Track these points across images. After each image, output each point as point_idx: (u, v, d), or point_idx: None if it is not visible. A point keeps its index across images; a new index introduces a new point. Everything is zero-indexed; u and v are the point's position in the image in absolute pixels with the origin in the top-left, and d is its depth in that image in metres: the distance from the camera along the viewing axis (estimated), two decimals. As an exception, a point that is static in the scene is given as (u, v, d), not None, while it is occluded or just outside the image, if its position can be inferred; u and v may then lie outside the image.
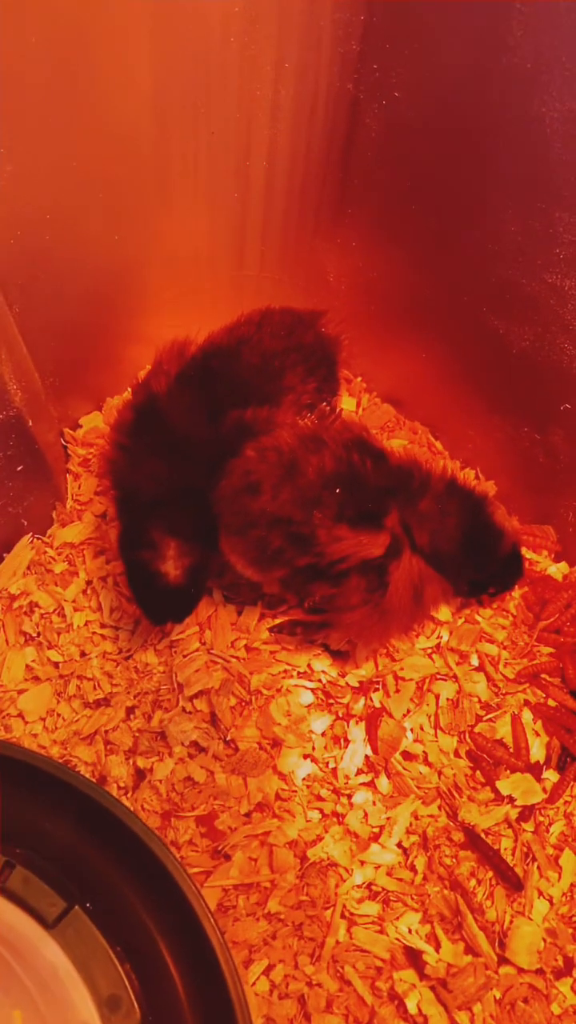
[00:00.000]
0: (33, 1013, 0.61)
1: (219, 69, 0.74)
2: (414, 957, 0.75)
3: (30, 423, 0.75)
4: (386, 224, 0.85)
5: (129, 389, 0.96)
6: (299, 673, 0.85)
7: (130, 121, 0.74)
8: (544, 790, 0.82)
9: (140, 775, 0.80)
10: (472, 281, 0.81)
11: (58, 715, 0.82)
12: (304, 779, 0.81)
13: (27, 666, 0.84)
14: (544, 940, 0.76)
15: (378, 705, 0.84)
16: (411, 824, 0.80)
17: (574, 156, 0.64)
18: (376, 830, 0.80)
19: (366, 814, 0.80)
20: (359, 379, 1.03)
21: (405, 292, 0.90)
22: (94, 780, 0.79)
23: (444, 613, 0.88)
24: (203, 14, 0.69)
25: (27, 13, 0.60)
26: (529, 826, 0.81)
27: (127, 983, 0.65)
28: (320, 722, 0.83)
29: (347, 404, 1.01)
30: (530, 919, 0.76)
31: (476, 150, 0.71)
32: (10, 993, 0.60)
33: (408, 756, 0.83)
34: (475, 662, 0.88)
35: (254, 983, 0.73)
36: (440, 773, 0.82)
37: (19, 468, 0.79)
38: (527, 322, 0.78)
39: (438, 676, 0.86)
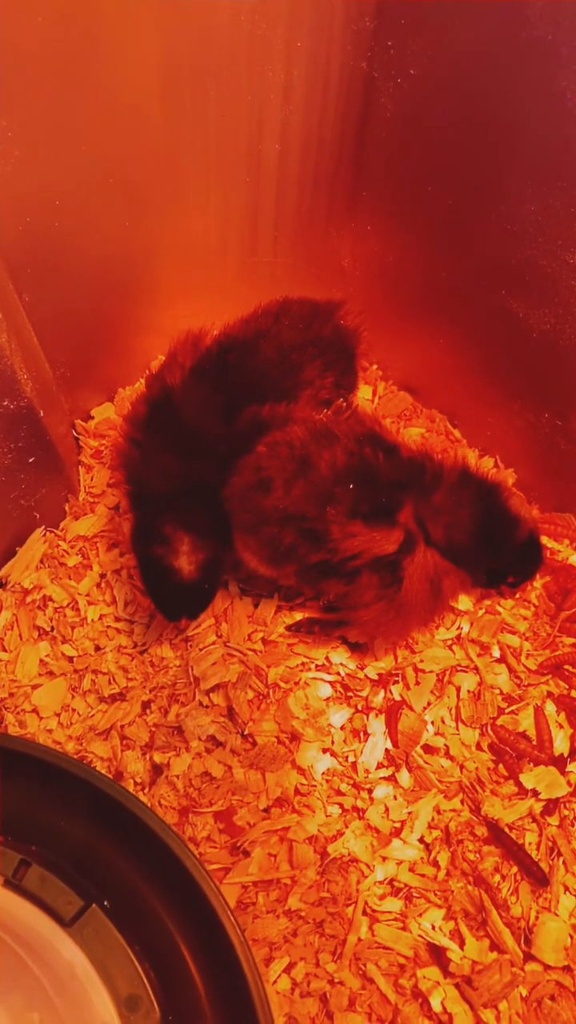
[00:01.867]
0: (51, 1013, 0.60)
1: (228, 49, 0.72)
2: (438, 954, 0.74)
3: (41, 414, 0.74)
4: (402, 207, 0.84)
5: (142, 380, 0.95)
6: (317, 666, 0.84)
7: (139, 105, 0.73)
8: (568, 783, 0.80)
9: (157, 770, 0.79)
10: (490, 264, 0.79)
11: (73, 710, 0.81)
12: (323, 773, 0.80)
13: (41, 661, 0.83)
14: (571, 936, 0.74)
15: (398, 698, 0.83)
16: (433, 819, 0.79)
17: None
18: (398, 825, 0.78)
19: (387, 809, 0.79)
20: (375, 367, 1.01)
21: (421, 277, 0.88)
22: (110, 776, 0.78)
23: (465, 603, 0.86)
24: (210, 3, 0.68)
25: (42, 9, 0.59)
26: (554, 820, 0.79)
27: (146, 982, 0.64)
28: (339, 715, 0.82)
29: (363, 392, 0.99)
30: (556, 915, 0.75)
31: (495, 128, 0.70)
32: (27, 993, 0.59)
33: (429, 749, 0.81)
34: (496, 653, 0.86)
35: (275, 981, 0.72)
36: (462, 767, 0.81)
37: (31, 460, 0.77)
38: (547, 304, 0.77)
39: (459, 668, 0.85)
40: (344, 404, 0.82)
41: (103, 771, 0.79)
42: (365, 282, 0.93)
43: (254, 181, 0.84)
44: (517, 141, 0.69)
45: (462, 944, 0.74)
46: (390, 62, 0.73)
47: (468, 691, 0.84)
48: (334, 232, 0.90)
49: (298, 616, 0.85)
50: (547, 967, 0.73)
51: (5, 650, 0.83)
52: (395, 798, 0.79)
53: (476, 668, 0.85)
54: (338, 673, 0.83)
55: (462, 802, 0.80)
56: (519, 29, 0.62)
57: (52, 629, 0.84)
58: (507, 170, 0.72)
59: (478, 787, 0.80)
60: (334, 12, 0.71)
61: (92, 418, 0.95)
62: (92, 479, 0.91)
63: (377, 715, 0.82)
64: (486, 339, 0.86)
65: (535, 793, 0.79)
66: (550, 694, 0.85)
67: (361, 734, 0.82)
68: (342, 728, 0.82)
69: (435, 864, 0.77)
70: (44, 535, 0.87)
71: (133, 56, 0.69)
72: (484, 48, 0.66)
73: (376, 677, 0.83)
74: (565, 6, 0.59)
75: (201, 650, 0.83)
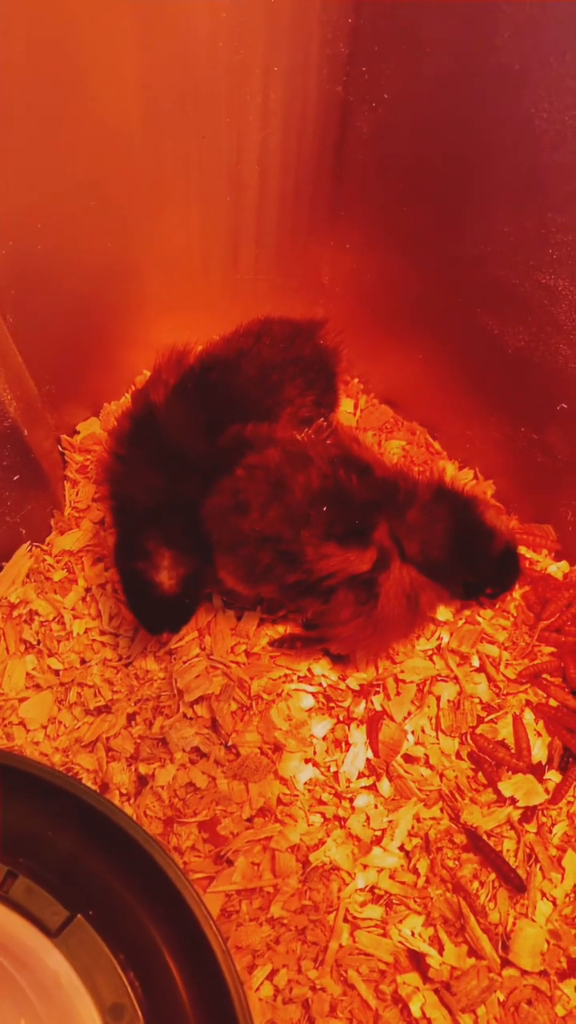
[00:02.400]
0: (36, 1022, 0.61)
1: (207, 73, 0.74)
2: (417, 960, 0.75)
3: (25, 432, 0.75)
4: (380, 225, 0.85)
5: (128, 395, 0.96)
6: (299, 677, 0.85)
7: (119, 126, 0.74)
8: (546, 791, 0.82)
9: (142, 781, 0.81)
10: (466, 282, 0.80)
11: (59, 723, 0.83)
12: (305, 783, 0.81)
13: (28, 674, 0.84)
14: (548, 942, 0.76)
15: (379, 708, 0.84)
16: (413, 827, 0.80)
17: (564, 156, 0.64)
18: (378, 833, 0.80)
19: (368, 817, 0.80)
20: (356, 380, 1.02)
21: (400, 293, 0.89)
22: (96, 787, 0.79)
23: (444, 614, 0.88)
24: (190, 18, 0.69)
25: (13, 19, 0.60)
26: (532, 827, 0.81)
27: (130, 991, 0.65)
28: (321, 726, 0.83)
29: (344, 406, 1.01)
30: (533, 921, 0.76)
31: (467, 151, 0.71)
32: (13, 1003, 0.60)
33: (409, 759, 0.83)
34: (476, 663, 0.87)
35: (258, 988, 0.73)
36: (442, 775, 0.82)
37: (16, 478, 0.79)
38: (521, 322, 0.78)
39: (439, 678, 0.86)
40: (325, 424, 0.83)
41: (89, 783, 0.80)
42: (345, 298, 0.94)
43: (235, 200, 0.85)
44: (489, 164, 0.70)
45: (441, 950, 0.75)
46: (365, 86, 0.74)
47: (448, 700, 0.85)
48: (314, 249, 0.91)
49: (281, 629, 0.87)
50: (524, 972, 0.74)
51: (-8, 663, 0.84)
52: (376, 807, 0.81)
53: (456, 678, 0.86)
54: (320, 684, 0.85)
55: (441, 810, 0.81)
56: (488, 56, 0.64)
57: (38, 643, 0.85)
58: (480, 190, 0.73)
59: (457, 795, 0.81)
60: (310, 38, 0.72)
61: (78, 433, 0.96)
62: (77, 494, 0.92)
63: (358, 725, 0.84)
64: (463, 354, 0.88)
65: (513, 801, 0.81)
66: (528, 703, 0.86)
67: (343, 744, 0.83)
68: (324, 738, 0.83)
69: (415, 872, 0.78)
70: (30, 550, 0.89)
71: (114, 80, 0.70)
72: (455, 73, 0.68)
73: (357, 688, 0.85)
74: (531, 34, 0.61)
75: (185, 663, 0.84)
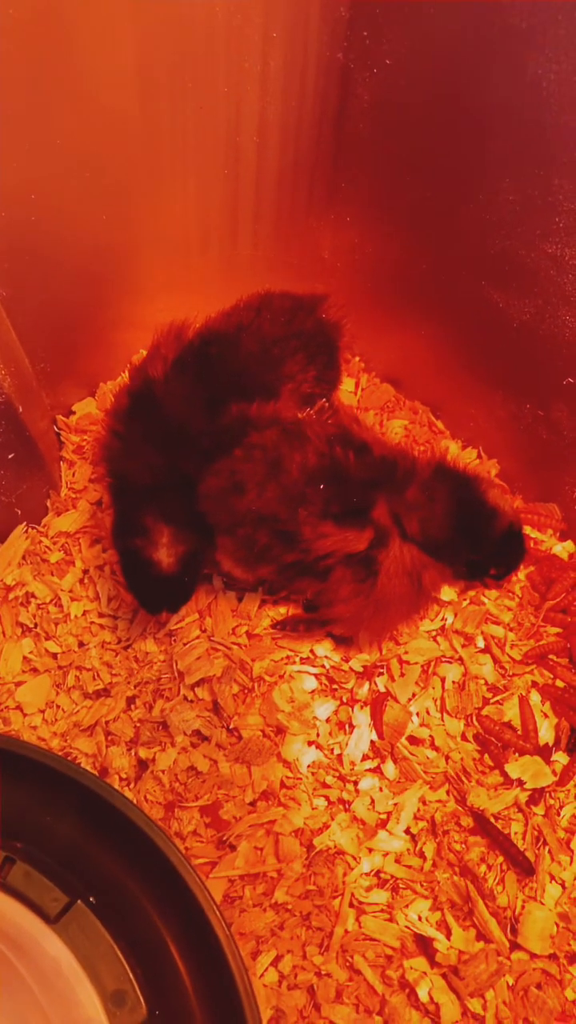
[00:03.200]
0: (36, 1011, 0.60)
1: (204, 41, 0.72)
2: (424, 945, 0.74)
3: (20, 410, 0.74)
4: (381, 198, 0.84)
5: (124, 375, 0.95)
6: (302, 659, 0.84)
7: (115, 97, 0.73)
8: (554, 772, 0.81)
9: (142, 766, 0.80)
10: (469, 254, 0.79)
11: (57, 707, 0.82)
12: (309, 766, 0.80)
13: (25, 658, 0.83)
14: (557, 925, 0.75)
15: (383, 689, 0.83)
16: (419, 810, 0.79)
17: (572, 119, 0.63)
18: (383, 816, 0.79)
19: (373, 800, 0.79)
20: (357, 359, 1.02)
21: (402, 268, 0.88)
22: (95, 772, 0.78)
23: (449, 594, 0.87)
24: None
25: (17, 13, 0.59)
26: (539, 809, 0.80)
27: (132, 977, 0.65)
28: (324, 708, 0.82)
29: (346, 385, 1.00)
30: (542, 904, 0.76)
31: (471, 117, 0.70)
32: (12, 991, 0.59)
33: (414, 741, 0.82)
34: (481, 644, 0.87)
35: (262, 974, 0.73)
36: (447, 757, 0.81)
37: (10, 456, 0.78)
38: (527, 294, 0.77)
39: (443, 659, 0.85)
40: (327, 404, 0.82)
41: (88, 767, 0.79)
42: (346, 274, 0.93)
43: (233, 173, 0.84)
44: (494, 130, 0.69)
45: (448, 934, 0.74)
46: (366, 52, 0.73)
47: (453, 682, 0.84)
48: (314, 224, 0.91)
49: (283, 611, 0.86)
50: (533, 956, 0.74)
51: (-12, 647, 0.83)
52: (381, 790, 0.80)
53: (461, 659, 0.85)
54: (323, 666, 0.84)
55: (448, 793, 0.80)
56: (494, 17, 0.63)
57: (35, 626, 0.84)
58: (484, 159, 0.72)
59: (463, 777, 0.80)
60: (310, 1, 0.71)
61: (73, 413, 0.95)
62: (74, 475, 0.91)
63: (362, 707, 0.83)
64: (467, 330, 0.87)
65: (520, 783, 0.80)
66: (535, 683, 0.86)
67: (346, 726, 0.82)
68: (327, 721, 0.82)
69: (421, 855, 0.78)
70: (26, 531, 0.88)
71: (108, 49, 0.69)
72: (459, 37, 0.66)
73: (361, 669, 0.84)
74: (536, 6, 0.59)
75: (185, 645, 0.83)
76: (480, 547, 0.80)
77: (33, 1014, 0.60)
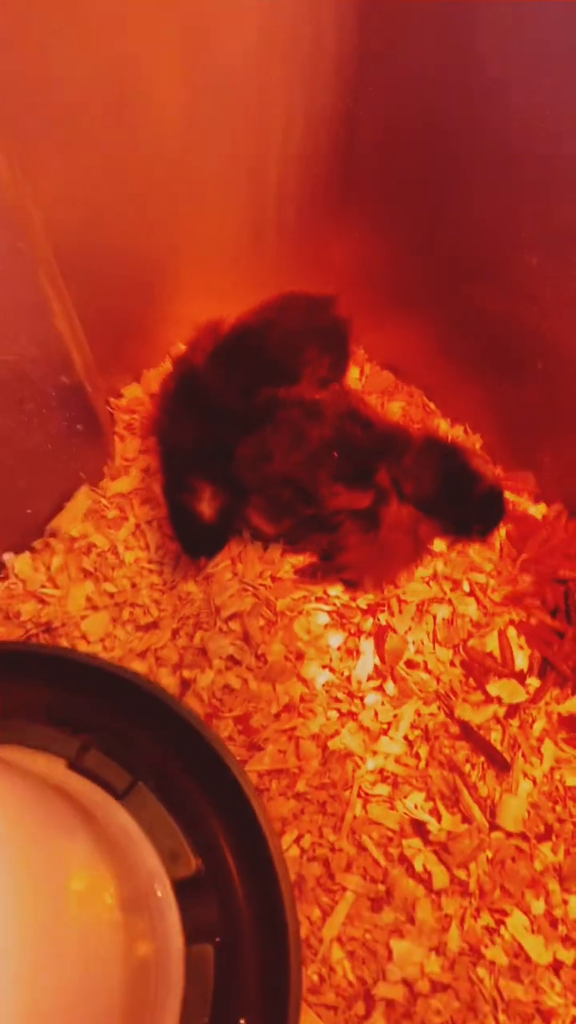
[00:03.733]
0: (116, 858, 0.73)
1: (238, 89, 0.86)
2: (419, 827, 0.89)
3: (88, 388, 0.90)
4: (382, 214, 0.99)
5: (167, 362, 1.11)
6: (317, 598, 0.99)
7: (164, 134, 0.86)
8: (527, 692, 0.95)
9: (185, 685, 0.94)
10: (455, 259, 0.94)
11: (115, 637, 0.96)
12: (323, 685, 0.95)
13: (87, 597, 0.97)
14: (528, 811, 0.90)
15: (384, 623, 0.98)
16: (414, 720, 0.94)
17: (534, 150, 0.78)
18: (385, 725, 0.94)
19: (376, 712, 0.94)
20: (361, 350, 1.17)
21: (400, 271, 1.03)
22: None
23: (439, 547, 1.02)
24: (225, 43, 0.81)
25: (87, 46, 0.73)
26: (515, 722, 0.95)
27: (184, 841, 0.78)
28: (336, 638, 0.97)
29: (352, 372, 1.15)
30: (516, 794, 0.90)
31: (455, 149, 0.85)
32: (99, 842, 0.69)
33: (411, 665, 0.97)
34: (466, 588, 1.02)
35: (287, 849, 0.87)
36: (438, 679, 0.96)
37: (79, 427, 0.92)
38: (502, 294, 0.92)
39: (435, 600, 1.00)
40: (338, 387, 0.99)
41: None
42: (354, 278, 1.07)
43: (260, 195, 0.98)
44: (473, 159, 0.84)
45: (439, 819, 0.89)
46: (370, 100, 0.88)
47: (443, 618, 0.99)
48: (327, 236, 1.05)
49: (300, 558, 1.01)
50: (509, 834, 0.89)
51: (57, 587, 0.98)
52: (383, 704, 0.95)
53: (449, 600, 1.00)
54: (334, 604, 0.99)
55: (438, 707, 0.95)
56: (472, 64, 0.77)
57: (95, 570, 0.99)
58: (466, 183, 0.87)
59: (452, 695, 0.95)
60: (325, 58, 0.86)
61: (123, 396, 1.10)
62: (125, 447, 1.06)
63: (367, 637, 0.98)
64: (455, 324, 1.02)
65: (499, 700, 0.95)
66: (512, 621, 1.01)
67: (354, 653, 0.97)
68: (338, 648, 0.97)
69: (416, 756, 0.92)
70: (88, 492, 1.02)
71: (162, 97, 0.83)
72: (445, 84, 0.81)
73: (366, 607, 0.99)
74: (506, 48, 0.75)
75: (220, 585, 0.98)
76: (464, 506, 0.96)
77: (115, 862, 0.73)
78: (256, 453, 0.89)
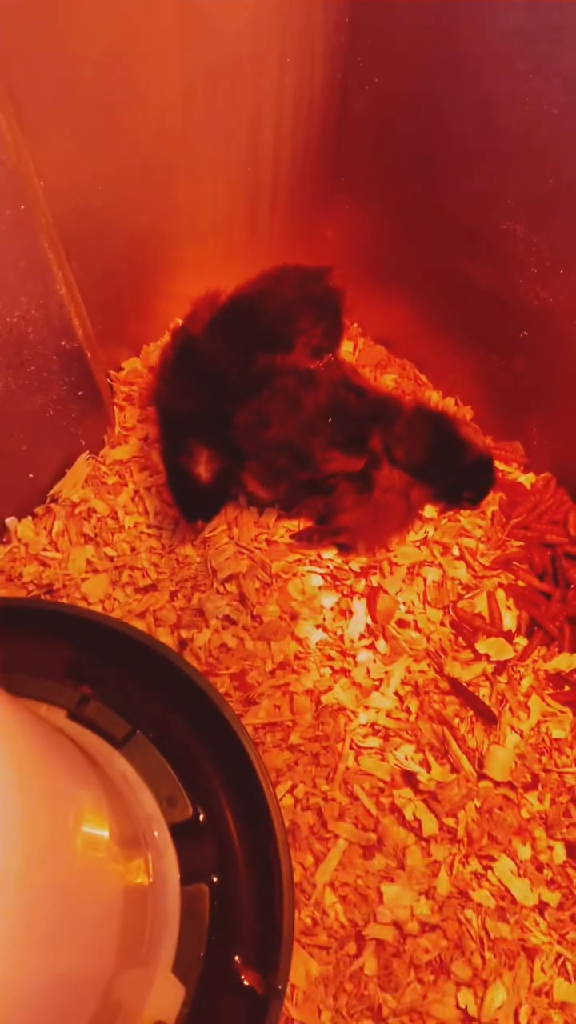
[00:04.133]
0: (116, 800, 0.76)
1: (234, 63, 0.89)
2: (410, 778, 0.92)
3: (88, 356, 0.93)
4: (373, 188, 1.02)
5: (166, 335, 1.14)
6: (311, 561, 1.02)
7: (164, 110, 0.89)
8: (515, 650, 0.98)
9: (183, 644, 0.97)
10: (444, 232, 0.97)
11: (115, 599, 0.99)
12: (317, 644, 0.98)
13: (88, 560, 1.01)
14: (515, 762, 0.93)
15: (376, 585, 1.01)
16: (405, 677, 0.97)
17: (514, 123, 0.81)
18: (377, 682, 0.97)
19: (368, 670, 0.97)
20: (355, 325, 1.20)
21: (391, 246, 1.07)
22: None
23: (430, 512, 1.05)
24: (219, 20, 0.85)
25: (88, 16, 0.76)
26: (503, 678, 0.98)
27: (181, 787, 0.82)
28: (329, 599, 1.01)
29: (345, 347, 1.18)
30: (503, 746, 0.93)
31: (442, 121, 0.88)
32: (101, 783, 0.72)
33: (402, 624, 1.00)
34: (456, 552, 1.05)
35: (281, 799, 0.90)
36: (428, 638, 0.99)
37: (80, 394, 0.96)
38: (489, 264, 0.95)
39: (425, 563, 1.03)
40: (332, 358, 1.02)
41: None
42: (346, 252, 1.11)
43: (254, 171, 1.02)
44: (459, 131, 0.87)
45: (429, 769, 0.92)
46: (360, 72, 0.92)
47: (433, 581, 1.02)
48: (320, 210, 1.09)
49: (294, 523, 1.04)
50: (496, 783, 0.92)
51: (59, 551, 1.01)
52: (375, 661, 0.98)
53: (440, 564, 1.04)
54: (328, 567, 1.02)
55: (428, 665, 0.98)
56: (454, 45, 0.81)
57: (96, 535, 1.02)
58: (454, 155, 0.90)
59: (441, 653, 0.98)
60: (315, 33, 0.90)
61: (123, 369, 1.13)
62: (125, 417, 1.09)
63: (359, 598, 1.01)
64: (444, 296, 1.05)
65: (487, 657, 0.98)
66: (501, 584, 1.04)
67: (347, 613, 1.00)
68: (331, 609, 1.00)
69: (407, 711, 0.95)
70: (88, 459, 1.06)
71: (160, 71, 0.85)
72: (430, 60, 0.85)
73: (359, 569, 1.02)
74: (486, 29, 0.78)
75: (217, 549, 1.01)
76: (453, 472, 0.99)
77: (114, 802, 0.76)
78: (254, 420, 0.92)
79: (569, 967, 0.84)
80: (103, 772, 0.79)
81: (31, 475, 0.99)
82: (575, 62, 0.73)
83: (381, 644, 0.99)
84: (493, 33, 0.78)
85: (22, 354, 0.84)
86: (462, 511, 1.07)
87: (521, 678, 0.98)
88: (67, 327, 0.87)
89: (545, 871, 0.88)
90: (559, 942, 0.84)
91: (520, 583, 1.04)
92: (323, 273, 1.01)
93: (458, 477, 1.00)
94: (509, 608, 1.02)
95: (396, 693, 0.96)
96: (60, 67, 0.77)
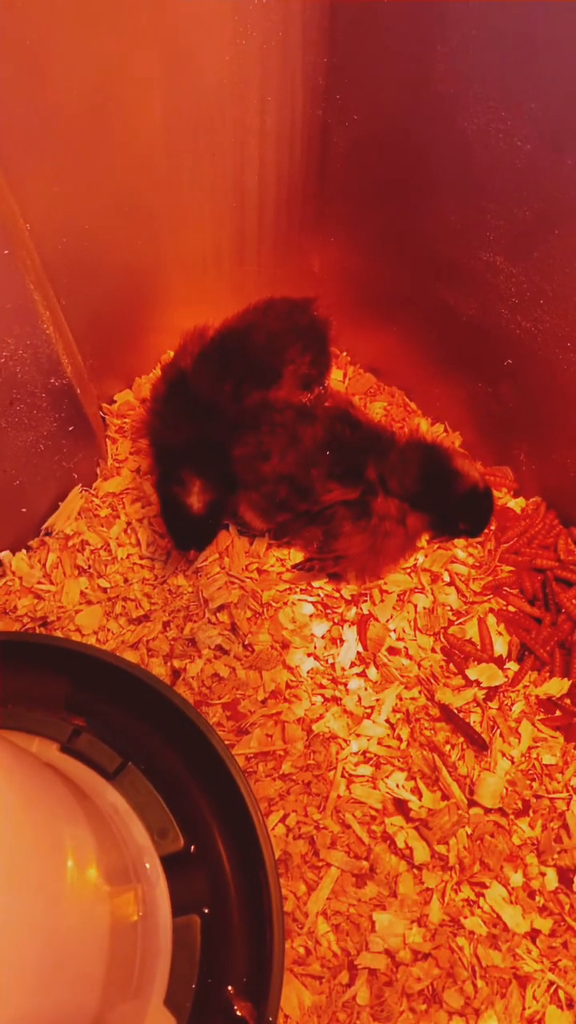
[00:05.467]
0: (107, 834, 0.77)
1: (216, 103, 0.91)
2: (401, 805, 0.93)
3: (78, 391, 0.94)
4: (356, 221, 1.04)
5: (157, 368, 1.16)
6: (301, 590, 1.03)
7: (147, 150, 0.91)
8: (506, 676, 0.99)
9: (176, 674, 0.98)
10: (426, 263, 0.99)
11: (108, 630, 1.00)
12: (308, 672, 0.99)
13: (81, 592, 1.02)
14: (506, 788, 0.93)
15: (366, 612, 1.02)
16: (396, 704, 0.98)
17: (490, 158, 0.83)
18: (368, 709, 0.98)
19: (359, 697, 0.98)
20: (344, 353, 1.22)
21: (377, 276, 1.08)
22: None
23: (421, 541, 1.06)
24: (201, 61, 0.86)
25: (72, 74, 0.79)
26: (494, 704, 0.98)
27: (173, 819, 0.82)
28: (320, 627, 1.02)
29: (336, 375, 1.20)
30: (494, 772, 0.94)
31: (419, 156, 0.90)
32: (92, 820, 0.73)
33: (392, 651, 1.01)
34: (447, 579, 1.06)
35: (273, 828, 0.91)
36: (419, 664, 1.00)
37: (70, 429, 0.97)
38: (471, 294, 0.97)
39: (416, 590, 1.04)
40: (323, 391, 1.04)
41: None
42: (333, 283, 1.12)
43: (240, 206, 1.03)
44: (437, 166, 0.89)
45: (420, 797, 0.93)
46: (339, 110, 0.93)
47: (424, 607, 1.03)
48: (305, 244, 1.10)
49: (284, 552, 1.05)
50: (487, 810, 0.92)
51: (52, 583, 1.02)
52: (366, 689, 0.98)
53: (431, 591, 1.04)
54: (319, 595, 1.03)
55: (419, 692, 0.99)
56: (430, 83, 0.82)
57: (89, 567, 1.03)
58: (433, 189, 0.91)
59: (432, 680, 0.99)
60: (295, 73, 0.91)
61: (115, 402, 1.15)
62: (117, 449, 1.11)
63: (350, 626, 1.02)
64: (429, 325, 1.06)
65: (478, 683, 0.98)
66: (491, 609, 1.04)
67: (338, 641, 1.01)
68: (323, 637, 1.01)
69: (398, 738, 0.96)
70: (81, 492, 1.07)
71: (143, 113, 0.87)
72: (407, 97, 0.86)
73: (349, 597, 1.03)
74: (461, 66, 0.80)
75: (208, 579, 1.03)
76: (446, 502, 0.99)
77: (104, 837, 0.77)
78: (254, 453, 0.94)
79: (561, 995, 0.84)
80: (93, 806, 0.79)
81: (24, 509, 1.01)
82: (543, 100, 0.75)
83: (372, 672, 0.99)
84: (466, 71, 0.79)
85: (11, 393, 0.86)
86: (455, 539, 1.07)
87: (512, 704, 0.99)
88: (55, 365, 0.89)
89: (537, 898, 0.88)
90: (551, 969, 0.85)
91: (511, 608, 1.04)
92: (308, 304, 1.03)
93: (451, 507, 1.00)
94: (500, 633, 1.03)
95: (387, 720, 0.97)
96: (43, 110, 0.78)
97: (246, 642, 1.00)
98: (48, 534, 1.05)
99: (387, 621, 1.02)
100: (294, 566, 1.04)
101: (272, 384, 0.99)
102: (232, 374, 0.97)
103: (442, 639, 1.02)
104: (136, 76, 0.84)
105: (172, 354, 1.08)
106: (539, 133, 0.78)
